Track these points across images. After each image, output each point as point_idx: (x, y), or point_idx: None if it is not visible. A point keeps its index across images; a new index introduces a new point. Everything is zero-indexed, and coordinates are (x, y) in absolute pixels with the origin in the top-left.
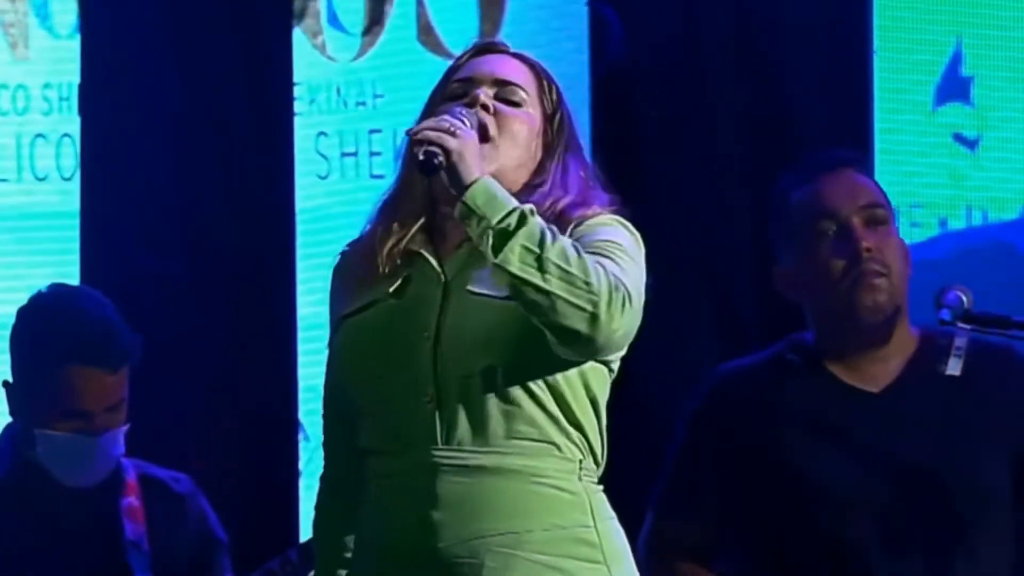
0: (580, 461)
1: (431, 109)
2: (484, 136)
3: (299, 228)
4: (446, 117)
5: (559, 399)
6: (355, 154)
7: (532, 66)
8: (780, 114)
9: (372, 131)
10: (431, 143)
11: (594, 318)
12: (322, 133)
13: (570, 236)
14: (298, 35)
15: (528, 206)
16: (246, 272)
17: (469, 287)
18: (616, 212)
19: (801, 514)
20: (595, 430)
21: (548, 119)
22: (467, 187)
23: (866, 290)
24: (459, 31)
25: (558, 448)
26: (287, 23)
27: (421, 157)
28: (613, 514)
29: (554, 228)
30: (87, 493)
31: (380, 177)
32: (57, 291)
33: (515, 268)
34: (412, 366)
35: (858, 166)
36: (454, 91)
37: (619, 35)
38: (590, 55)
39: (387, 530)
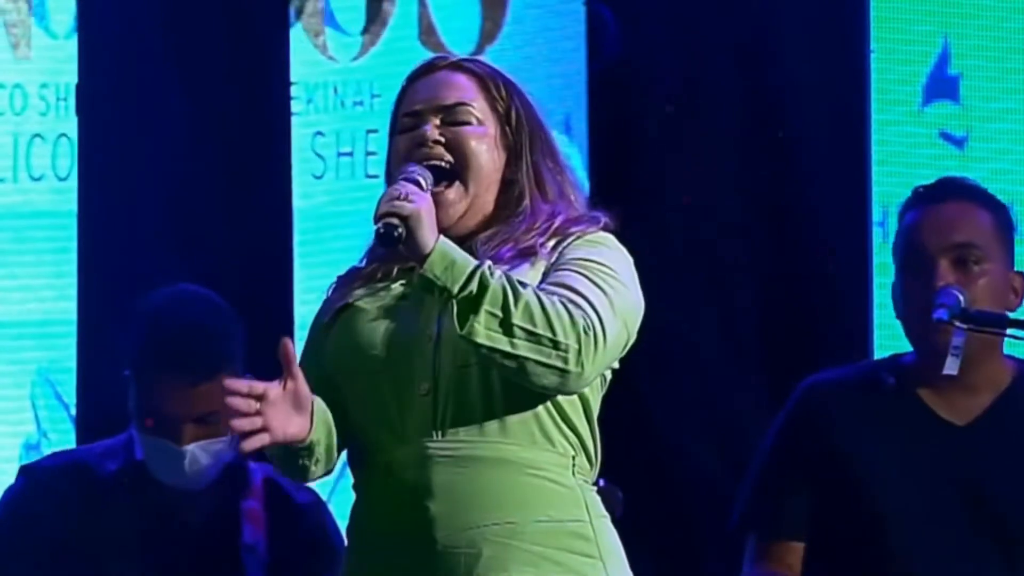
0: (573, 457)
1: (390, 143)
2: (445, 173)
3: (296, 228)
4: (399, 186)
5: (552, 400)
6: (351, 154)
7: (473, 72)
8: (778, 114)
9: (369, 131)
10: (388, 215)
11: (564, 372)
12: (319, 133)
13: (560, 253)
14: (299, 34)
15: (487, 263)
16: (244, 272)
17: None
18: (606, 226)
19: (868, 534)
20: (587, 429)
21: (504, 120)
22: (425, 256)
23: (940, 333)
24: (461, 31)
25: (551, 443)
26: (284, 22)
27: (381, 231)
28: (606, 513)
29: (512, 278)
30: (204, 491)
31: (375, 177)
32: (168, 295)
33: (482, 338)
34: (410, 361)
35: (969, 196)
36: (405, 125)
37: (614, 34)
38: (587, 54)
39: (384, 522)
